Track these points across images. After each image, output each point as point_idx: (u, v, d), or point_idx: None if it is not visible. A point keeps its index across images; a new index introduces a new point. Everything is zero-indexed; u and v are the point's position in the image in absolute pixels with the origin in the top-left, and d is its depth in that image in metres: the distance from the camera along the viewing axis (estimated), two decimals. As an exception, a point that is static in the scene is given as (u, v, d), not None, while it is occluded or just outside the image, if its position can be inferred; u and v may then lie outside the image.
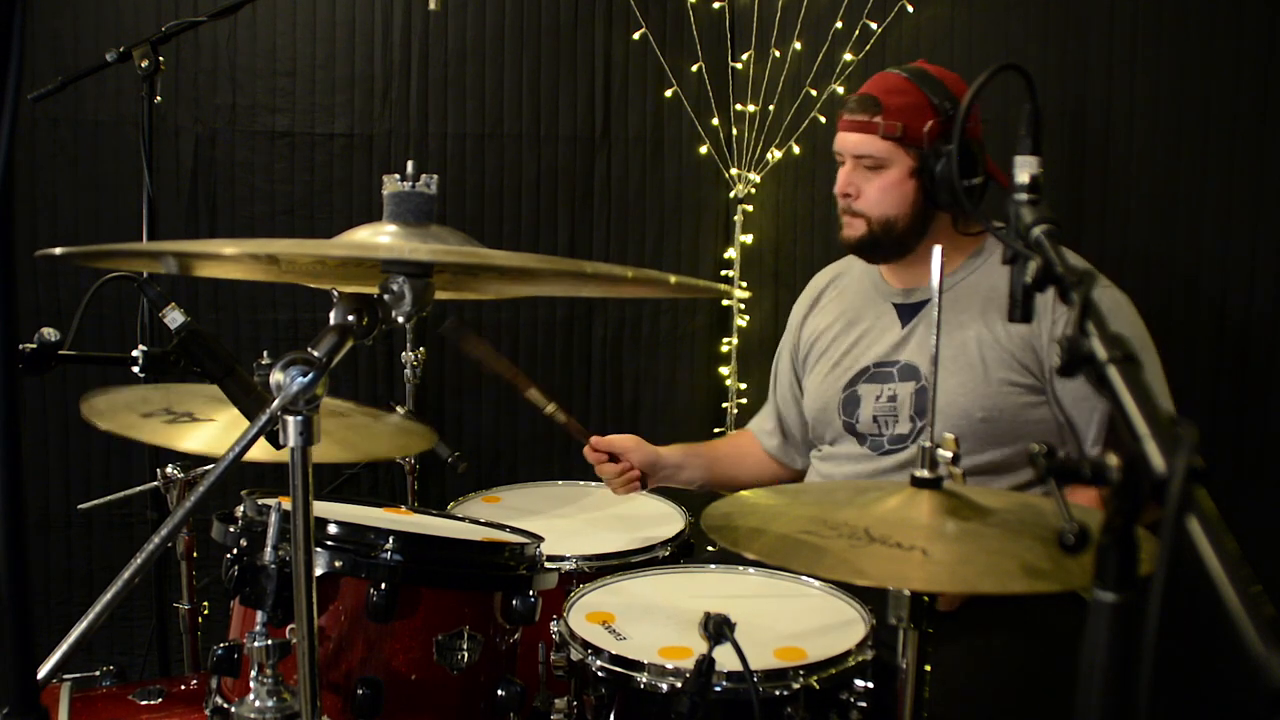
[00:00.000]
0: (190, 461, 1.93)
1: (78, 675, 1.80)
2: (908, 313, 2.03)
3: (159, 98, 2.31)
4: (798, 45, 3.02)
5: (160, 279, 1.68)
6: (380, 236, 1.18)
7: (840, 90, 2.95)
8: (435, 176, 1.21)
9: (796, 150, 3.06)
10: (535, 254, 1.26)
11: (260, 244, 1.11)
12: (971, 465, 1.87)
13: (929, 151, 1.87)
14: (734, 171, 3.13)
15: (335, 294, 1.11)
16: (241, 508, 1.48)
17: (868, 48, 2.90)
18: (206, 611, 2.07)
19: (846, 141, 1.96)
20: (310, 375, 1.01)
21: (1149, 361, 1.88)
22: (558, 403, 2.18)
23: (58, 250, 1.00)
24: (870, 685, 1.41)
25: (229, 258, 1.17)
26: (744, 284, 3.17)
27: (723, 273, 3.18)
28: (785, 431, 2.31)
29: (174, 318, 1.49)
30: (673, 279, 1.17)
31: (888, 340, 2.03)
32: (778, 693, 1.39)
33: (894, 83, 1.93)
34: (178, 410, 1.74)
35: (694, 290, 1.42)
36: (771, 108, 3.06)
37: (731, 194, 3.16)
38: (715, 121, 3.11)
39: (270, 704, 1.24)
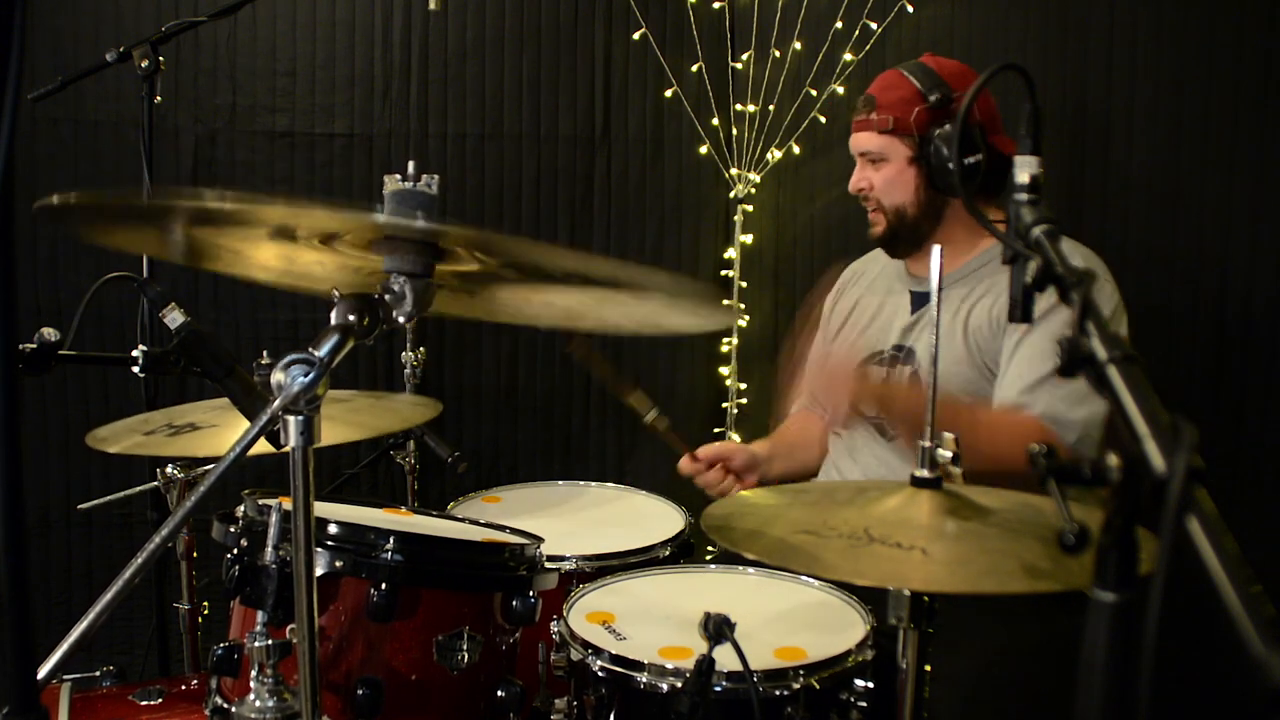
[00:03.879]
0: (190, 461, 1.93)
1: (78, 675, 1.79)
2: (920, 299, 2.07)
3: (159, 98, 2.30)
4: (798, 45, 3.02)
5: (161, 279, 1.68)
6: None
7: (840, 90, 2.95)
8: (436, 176, 1.20)
9: (796, 150, 3.06)
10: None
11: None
12: None
13: (923, 137, 1.96)
14: (734, 171, 3.13)
15: (336, 294, 1.11)
16: (242, 508, 1.48)
17: (868, 48, 2.90)
18: (206, 611, 2.07)
19: (854, 141, 2.07)
20: (311, 375, 1.01)
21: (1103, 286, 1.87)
22: (657, 410, 2.14)
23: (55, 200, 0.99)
24: (870, 685, 1.41)
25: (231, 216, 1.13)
26: (744, 284, 3.18)
27: (723, 273, 3.18)
28: None
29: (174, 318, 1.49)
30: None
31: (898, 325, 2.08)
32: (778, 693, 1.39)
33: (889, 79, 2.03)
34: (179, 424, 1.75)
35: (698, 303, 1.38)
36: (771, 108, 3.06)
37: (731, 194, 3.15)
38: (715, 121, 3.11)
39: (270, 704, 1.23)
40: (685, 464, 2.17)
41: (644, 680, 1.41)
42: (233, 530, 1.44)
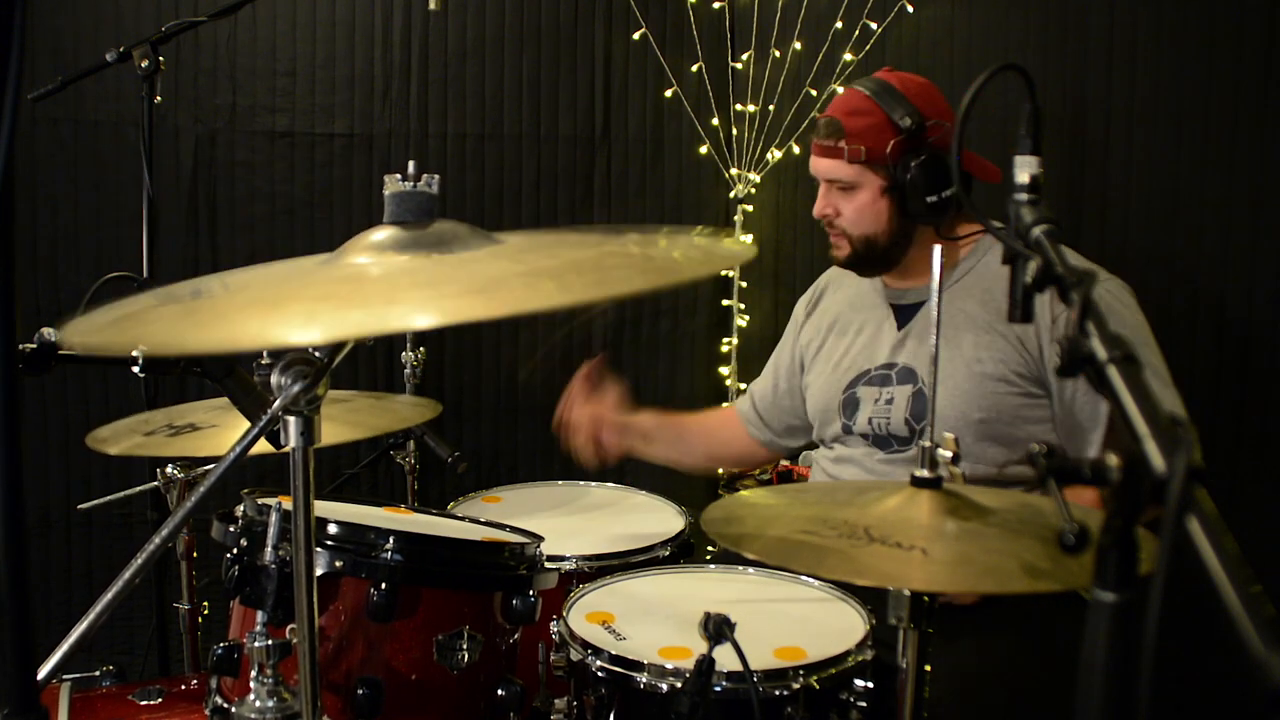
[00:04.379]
0: (190, 461, 1.93)
1: (78, 675, 1.79)
2: (904, 314, 2.03)
3: (159, 98, 2.31)
4: (798, 45, 3.02)
5: (161, 279, 1.67)
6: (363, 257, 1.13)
7: (840, 90, 2.95)
8: (437, 176, 1.20)
9: (796, 150, 3.06)
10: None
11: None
12: (980, 473, 1.87)
13: (896, 168, 1.89)
14: (734, 171, 3.13)
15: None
16: (242, 507, 1.48)
17: (868, 48, 2.90)
18: (206, 611, 2.07)
19: (818, 166, 1.99)
20: (310, 375, 1.01)
21: (1149, 355, 1.87)
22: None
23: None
24: (870, 685, 1.41)
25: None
26: (744, 284, 3.18)
27: (722, 273, 3.18)
28: (764, 422, 2.32)
29: (174, 318, 1.49)
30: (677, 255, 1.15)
31: (885, 342, 2.03)
32: (778, 693, 1.38)
33: (855, 102, 1.94)
34: (179, 424, 1.75)
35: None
36: (771, 108, 3.07)
37: (731, 194, 3.16)
38: (715, 121, 3.11)
39: (270, 704, 1.23)
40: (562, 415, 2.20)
41: (644, 680, 1.41)
42: (233, 530, 1.44)
